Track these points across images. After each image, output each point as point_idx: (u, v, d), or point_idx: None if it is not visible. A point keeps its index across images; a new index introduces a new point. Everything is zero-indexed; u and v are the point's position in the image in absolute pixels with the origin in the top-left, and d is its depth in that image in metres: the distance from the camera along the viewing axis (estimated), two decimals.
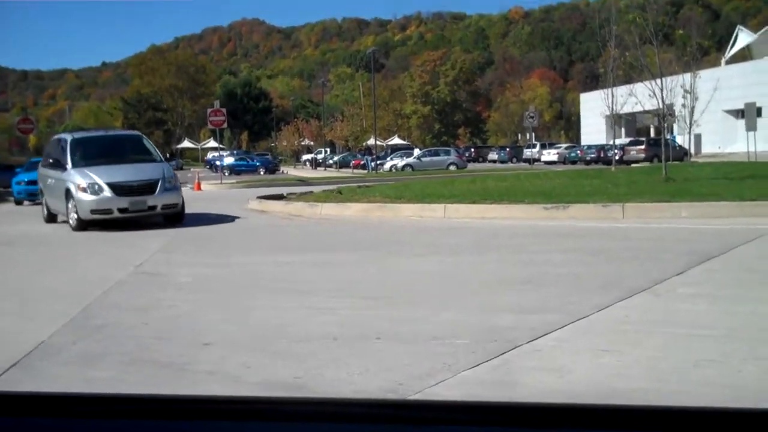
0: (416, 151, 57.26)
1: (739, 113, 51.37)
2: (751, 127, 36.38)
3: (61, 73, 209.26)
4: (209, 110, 38.35)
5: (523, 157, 61.39)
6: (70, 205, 14.13)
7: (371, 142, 64.19)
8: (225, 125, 40.06)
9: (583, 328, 5.35)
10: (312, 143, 77.50)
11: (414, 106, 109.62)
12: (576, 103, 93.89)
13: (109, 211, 13.90)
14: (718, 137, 58.05)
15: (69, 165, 14.60)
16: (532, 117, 48.66)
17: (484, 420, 1.14)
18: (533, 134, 56.87)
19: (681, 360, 4.48)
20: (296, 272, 8.70)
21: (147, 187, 14.24)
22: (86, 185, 13.86)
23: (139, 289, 7.80)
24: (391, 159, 55.68)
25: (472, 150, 78.03)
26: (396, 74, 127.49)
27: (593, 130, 72.66)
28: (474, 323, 5.57)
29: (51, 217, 16.24)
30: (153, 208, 14.21)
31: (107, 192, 13.83)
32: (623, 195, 14.88)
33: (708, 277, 7.27)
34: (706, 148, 57.79)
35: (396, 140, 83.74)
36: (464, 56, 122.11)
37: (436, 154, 54.43)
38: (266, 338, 5.39)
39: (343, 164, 62.39)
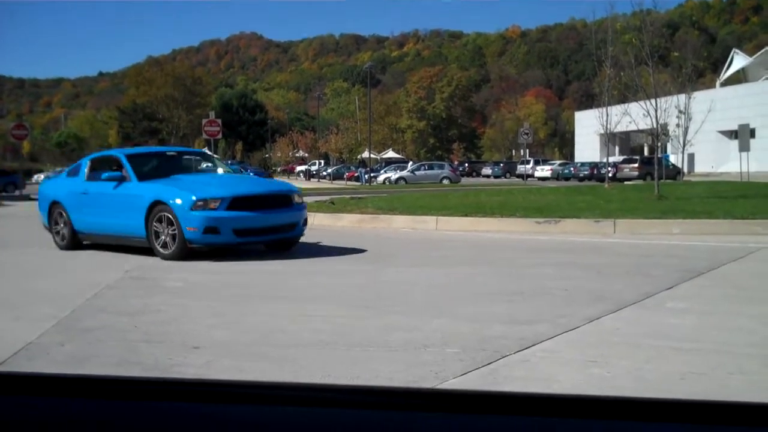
0: (410, 165, 57.37)
1: (732, 134, 51.78)
2: (744, 147, 36.62)
3: (57, 82, 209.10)
4: (204, 121, 38.41)
5: (517, 172, 61.65)
6: None
7: (365, 154, 64.31)
8: (220, 136, 40.07)
9: (573, 340, 5.39)
10: (306, 155, 77.66)
11: (409, 121, 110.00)
12: (570, 121, 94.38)
13: None
14: (712, 157, 58.44)
15: None
16: (526, 134, 48.94)
17: (474, 409, 1.16)
18: (527, 150, 57.13)
19: (668, 372, 4.52)
20: (287, 280, 8.72)
21: None
22: None
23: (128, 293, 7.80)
24: (385, 172, 55.76)
25: (466, 165, 78.32)
26: (392, 90, 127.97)
27: (587, 148, 73.11)
28: (464, 332, 5.59)
29: None
30: None
31: None
32: (615, 211, 14.96)
33: (697, 292, 7.32)
34: (699, 168, 58.15)
35: (390, 153, 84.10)
36: (460, 73, 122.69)
37: (430, 168, 54.55)
38: (256, 343, 5.41)
39: (336, 176, 62.49)
